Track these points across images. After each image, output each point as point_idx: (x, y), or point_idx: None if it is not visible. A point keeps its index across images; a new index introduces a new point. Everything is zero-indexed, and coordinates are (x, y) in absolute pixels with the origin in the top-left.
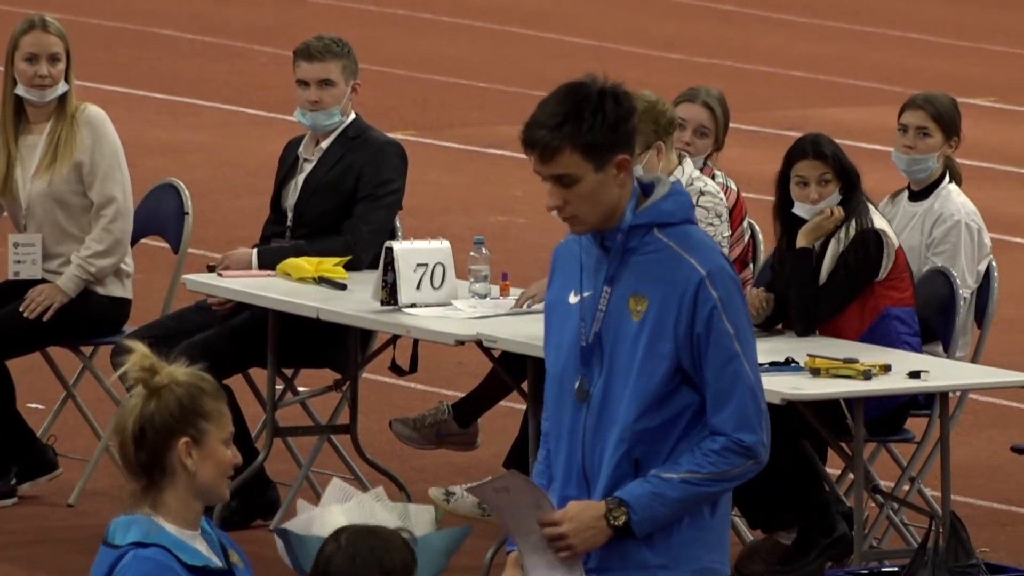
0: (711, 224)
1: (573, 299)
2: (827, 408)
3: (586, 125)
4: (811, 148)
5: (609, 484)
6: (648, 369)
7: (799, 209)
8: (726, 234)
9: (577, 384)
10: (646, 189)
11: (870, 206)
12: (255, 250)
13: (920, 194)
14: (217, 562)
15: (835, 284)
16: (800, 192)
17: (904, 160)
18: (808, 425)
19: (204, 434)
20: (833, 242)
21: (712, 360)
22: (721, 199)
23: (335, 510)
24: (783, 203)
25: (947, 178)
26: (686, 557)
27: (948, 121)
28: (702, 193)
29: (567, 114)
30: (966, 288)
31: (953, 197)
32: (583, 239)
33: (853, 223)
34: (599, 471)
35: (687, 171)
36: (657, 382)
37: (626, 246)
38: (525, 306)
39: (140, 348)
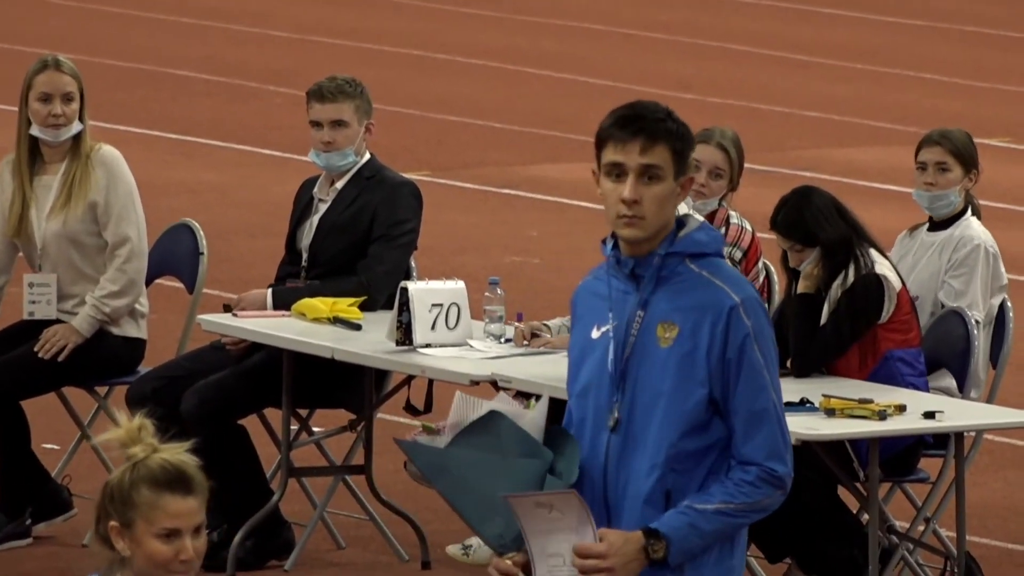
0: None
1: (596, 333)
2: (835, 449)
3: (679, 132)
4: (780, 227)
5: (639, 516)
6: (681, 395)
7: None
8: None
9: (608, 412)
10: (678, 223)
11: (873, 252)
12: (270, 290)
13: (940, 224)
14: None
15: (832, 327)
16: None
17: (926, 198)
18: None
19: (131, 524)
20: (835, 287)
21: (743, 389)
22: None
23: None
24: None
25: (969, 211)
26: None
27: (966, 155)
28: None
29: (666, 115)
30: (977, 311)
31: (974, 226)
32: (609, 276)
33: (852, 268)
34: (623, 499)
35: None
36: (691, 408)
37: (659, 273)
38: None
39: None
